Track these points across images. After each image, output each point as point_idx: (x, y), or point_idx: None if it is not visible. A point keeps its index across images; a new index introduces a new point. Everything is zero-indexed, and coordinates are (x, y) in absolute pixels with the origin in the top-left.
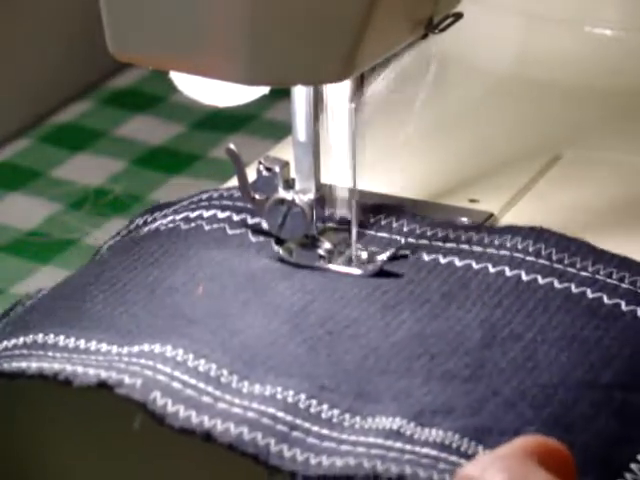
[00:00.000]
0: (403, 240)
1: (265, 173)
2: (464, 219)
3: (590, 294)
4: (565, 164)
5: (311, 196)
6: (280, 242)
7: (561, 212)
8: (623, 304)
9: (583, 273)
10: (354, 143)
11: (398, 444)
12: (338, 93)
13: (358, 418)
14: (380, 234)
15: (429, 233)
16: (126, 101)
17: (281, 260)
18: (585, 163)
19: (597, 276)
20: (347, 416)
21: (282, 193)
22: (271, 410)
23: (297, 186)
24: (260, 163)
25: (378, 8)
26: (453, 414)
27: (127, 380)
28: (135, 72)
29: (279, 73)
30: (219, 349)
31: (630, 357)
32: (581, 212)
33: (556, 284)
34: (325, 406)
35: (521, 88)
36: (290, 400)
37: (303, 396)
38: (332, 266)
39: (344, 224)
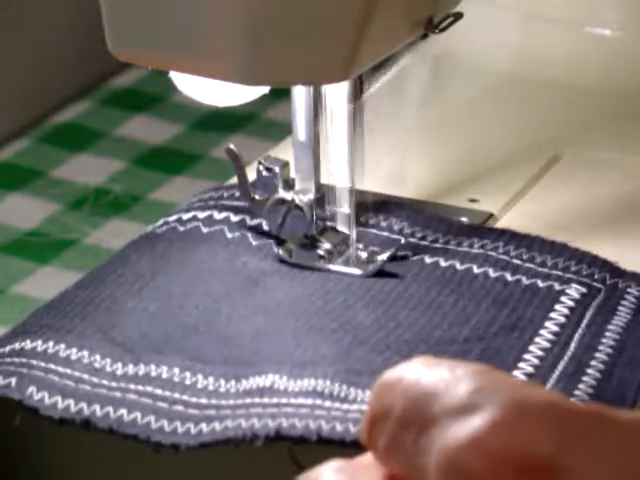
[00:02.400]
0: (403, 240)
1: (265, 173)
2: (464, 219)
3: (443, 263)
4: (565, 164)
5: (311, 196)
6: (280, 242)
7: (561, 212)
8: (475, 267)
9: (435, 245)
10: (353, 144)
11: (274, 399)
12: (337, 93)
13: (233, 382)
14: (380, 234)
15: (419, 235)
16: (126, 101)
17: (281, 260)
18: (585, 163)
19: (448, 246)
20: (222, 382)
21: (282, 193)
22: (149, 389)
23: (297, 186)
24: (260, 163)
25: (378, 8)
26: (323, 362)
27: (1, 381)
28: (135, 72)
29: (279, 73)
30: (90, 336)
31: (486, 312)
32: (581, 212)
33: (410, 257)
34: (199, 376)
35: (521, 88)
36: (165, 376)
37: (177, 370)
38: (332, 266)
39: (344, 224)
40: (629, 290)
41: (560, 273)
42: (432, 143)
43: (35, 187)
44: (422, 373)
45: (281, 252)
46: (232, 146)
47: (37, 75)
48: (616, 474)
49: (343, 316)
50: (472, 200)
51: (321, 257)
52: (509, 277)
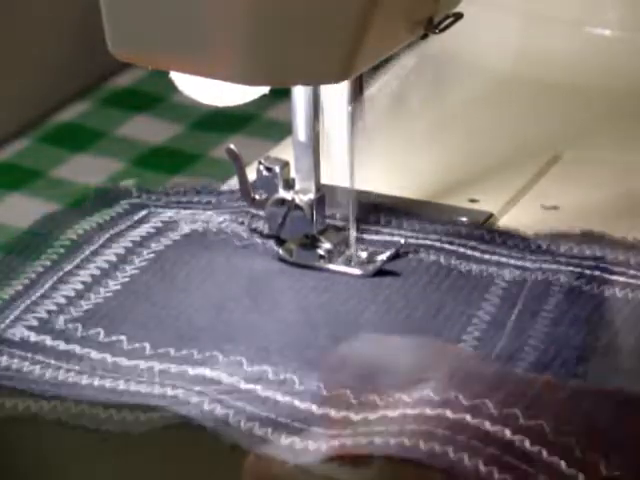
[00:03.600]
0: (403, 240)
1: (265, 173)
2: (464, 219)
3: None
4: (565, 164)
5: (311, 196)
6: (280, 242)
7: (561, 212)
8: (410, 254)
9: (375, 237)
10: (352, 144)
11: (222, 387)
12: (337, 94)
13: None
14: (380, 234)
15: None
16: (126, 101)
17: (281, 260)
18: (585, 163)
19: (386, 238)
20: (173, 367)
21: (282, 193)
22: (96, 382)
23: (297, 186)
24: (260, 163)
25: (378, 8)
26: (274, 356)
27: None
28: (135, 72)
29: (279, 73)
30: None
31: (421, 296)
32: (580, 212)
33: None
34: (142, 362)
35: (521, 88)
36: (110, 367)
37: (123, 359)
38: (332, 266)
39: (344, 224)
40: (561, 270)
41: (493, 257)
42: (432, 143)
43: (35, 187)
44: (369, 350)
45: (281, 252)
46: (232, 146)
47: (37, 75)
48: (566, 431)
49: (289, 310)
50: (472, 200)
51: (321, 257)
52: (442, 262)
